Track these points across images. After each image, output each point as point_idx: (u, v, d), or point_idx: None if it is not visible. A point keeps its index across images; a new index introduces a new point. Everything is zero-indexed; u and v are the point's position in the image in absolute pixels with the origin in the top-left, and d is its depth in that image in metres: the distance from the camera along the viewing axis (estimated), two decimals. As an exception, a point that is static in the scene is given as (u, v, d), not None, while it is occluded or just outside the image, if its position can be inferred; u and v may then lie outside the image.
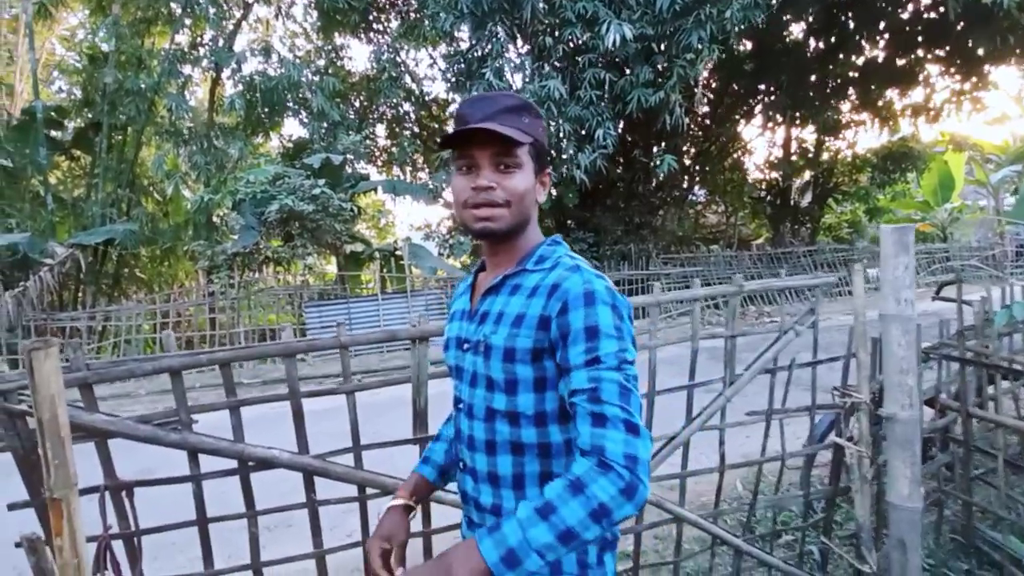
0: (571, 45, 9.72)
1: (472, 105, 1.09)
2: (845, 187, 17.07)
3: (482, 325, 1.09)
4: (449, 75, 12.16)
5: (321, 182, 9.14)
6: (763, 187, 17.00)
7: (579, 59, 9.69)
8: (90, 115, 13.18)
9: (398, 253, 11.76)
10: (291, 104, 13.15)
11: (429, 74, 14.99)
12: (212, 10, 10.95)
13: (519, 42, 10.51)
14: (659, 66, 9.65)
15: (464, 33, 10.96)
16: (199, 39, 12.71)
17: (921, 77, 13.91)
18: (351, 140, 10.48)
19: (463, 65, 10.73)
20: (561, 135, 9.56)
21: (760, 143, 16.63)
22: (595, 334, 0.95)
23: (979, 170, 21.06)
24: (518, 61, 10.28)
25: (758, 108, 15.24)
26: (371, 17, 13.86)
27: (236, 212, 9.63)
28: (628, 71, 9.85)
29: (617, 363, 0.94)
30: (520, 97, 1.12)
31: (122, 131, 12.97)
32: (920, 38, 12.96)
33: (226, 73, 12.15)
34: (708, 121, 14.93)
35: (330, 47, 14.58)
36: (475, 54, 10.16)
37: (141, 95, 11.57)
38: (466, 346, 1.12)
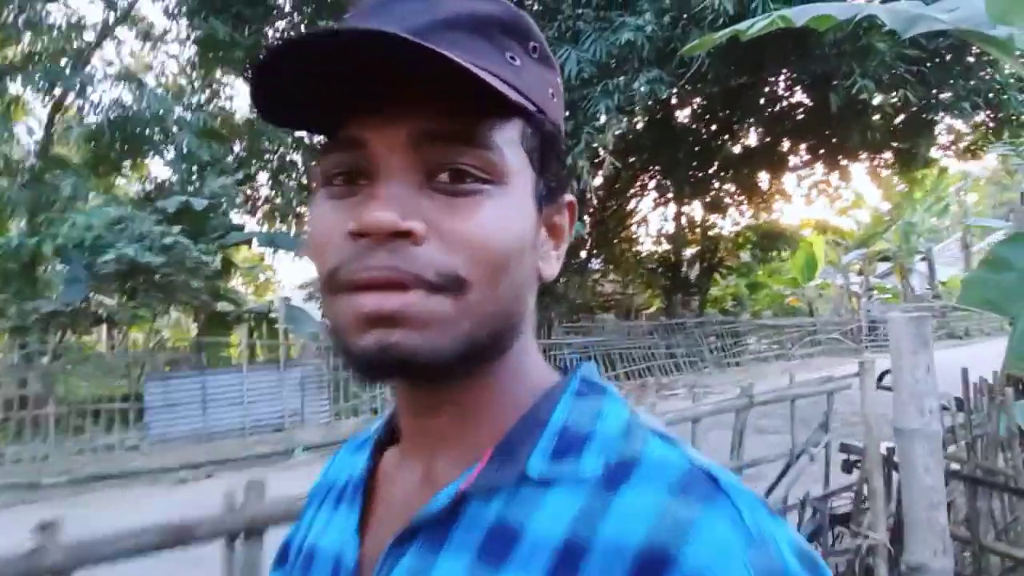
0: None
1: (378, 7, 0.40)
2: (729, 262, 18.00)
3: None
4: (342, 125, 11.29)
5: (176, 230, 7.67)
6: (656, 259, 17.49)
7: (485, 118, 9.30)
8: None
9: (273, 315, 10.30)
10: (157, 141, 11.55)
11: (322, 124, 14.00)
12: (49, 18, 9.26)
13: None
14: (566, 131, 9.47)
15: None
16: (42, 55, 10.76)
17: (791, 165, 15.12)
18: (220, 183, 9.11)
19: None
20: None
21: (654, 216, 17.21)
22: None
23: (833, 252, 23.48)
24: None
25: (652, 183, 15.77)
26: (259, 57, 12.80)
27: (60, 261, 7.82)
28: (535, 134, 9.58)
29: None
30: (505, 2, 0.43)
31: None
32: (789, 131, 14.10)
33: (71, 98, 10.40)
34: (604, 192, 15.16)
35: (208, 83, 13.24)
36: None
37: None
38: None
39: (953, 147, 12.84)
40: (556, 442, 0.40)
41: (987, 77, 9.63)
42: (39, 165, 9.64)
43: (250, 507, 0.97)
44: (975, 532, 2.40)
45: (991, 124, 11.34)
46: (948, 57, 9.74)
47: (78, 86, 9.54)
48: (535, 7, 9.54)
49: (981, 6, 3.54)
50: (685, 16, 8.53)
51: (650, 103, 9.43)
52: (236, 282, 16.49)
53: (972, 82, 9.90)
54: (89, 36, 11.33)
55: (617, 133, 9.80)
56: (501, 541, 0.37)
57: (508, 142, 0.40)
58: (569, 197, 0.47)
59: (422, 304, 0.36)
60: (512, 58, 0.41)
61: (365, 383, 0.45)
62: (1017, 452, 2.28)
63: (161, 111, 10.26)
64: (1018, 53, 3.91)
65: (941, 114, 11.33)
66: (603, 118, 9.12)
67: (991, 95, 10.01)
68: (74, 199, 8.61)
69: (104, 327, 9.30)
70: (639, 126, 13.35)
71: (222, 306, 11.16)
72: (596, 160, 9.97)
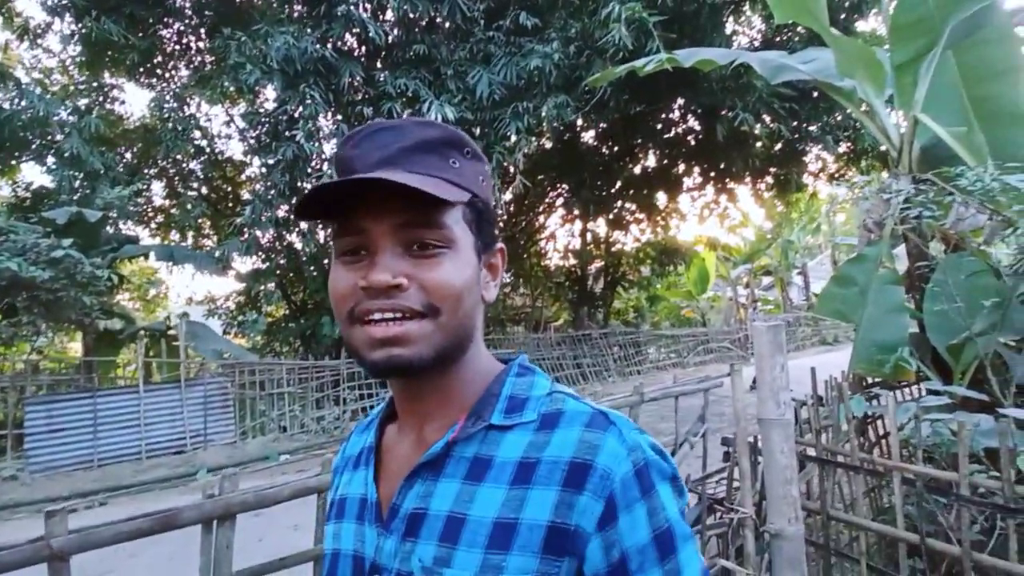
0: (390, 119, 9.40)
1: (363, 141, 0.65)
2: (630, 276, 19.01)
3: (413, 541, 0.61)
4: (250, 135, 10.97)
5: (67, 242, 7.15)
6: (563, 273, 18.15)
7: (398, 134, 9.38)
8: None
9: (171, 332, 9.76)
10: (35, 145, 10.66)
11: (225, 132, 13.46)
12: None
13: (334, 109, 9.90)
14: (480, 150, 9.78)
15: (270, 92, 10.04)
16: None
17: (685, 186, 16.32)
18: (115, 194, 8.57)
19: (268, 125, 9.73)
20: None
21: (562, 232, 17.88)
22: (670, 543, 0.58)
23: (722, 267, 25.37)
24: (333, 128, 9.62)
25: (560, 200, 16.42)
26: (155, 61, 12.14)
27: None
28: (447, 152, 9.78)
29: None
30: (444, 126, 0.68)
31: None
32: (683, 155, 15.24)
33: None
34: (514, 209, 15.62)
35: (97, 85, 12.36)
36: (283, 115, 9.28)
37: None
38: None
39: (821, 173, 14.47)
40: (507, 404, 0.65)
41: (848, 114, 10.99)
42: None
43: (225, 495, 1.12)
44: (824, 504, 2.87)
45: (851, 155, 12.93)
46: (815, 96, 11.04)
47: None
48: (448, 26, 9.80)
49: (833, 60, 4.20)
50: (589, 47, 9.14)
51: (557, 126, 9.94)
52: (123, 296, 15.35)
53: (835, 118, 11.29)
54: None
55: (526, 153, 10.25)
56: (480, 466, 0.62)
57: (455, 220, 0.63)
58: (500, 245, 0.71)
59: (414, 329, 0.60)
60: (454, 162, 0.65)
61: (378, 381, 0.70)
62: (852, 437, 2.77)
63: (42, 113, 9.49)
64: (859, 101, 4.65)
65: (810, 144, 12.80)
66: (513, 138, 9.54)
67: (850, 130, 11.44)
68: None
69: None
70: (547, 146, 13.96)
71: (111, 323, 10.44)
72: (506, 178, 10.36)
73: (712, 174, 15.07)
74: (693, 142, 14.40)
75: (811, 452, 3.01)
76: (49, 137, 10.15)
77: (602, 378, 15.58)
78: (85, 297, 7.38)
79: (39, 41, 12.17)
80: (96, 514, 6.41)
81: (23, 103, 9.89)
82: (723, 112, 10.19)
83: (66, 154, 9.67)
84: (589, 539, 0.56)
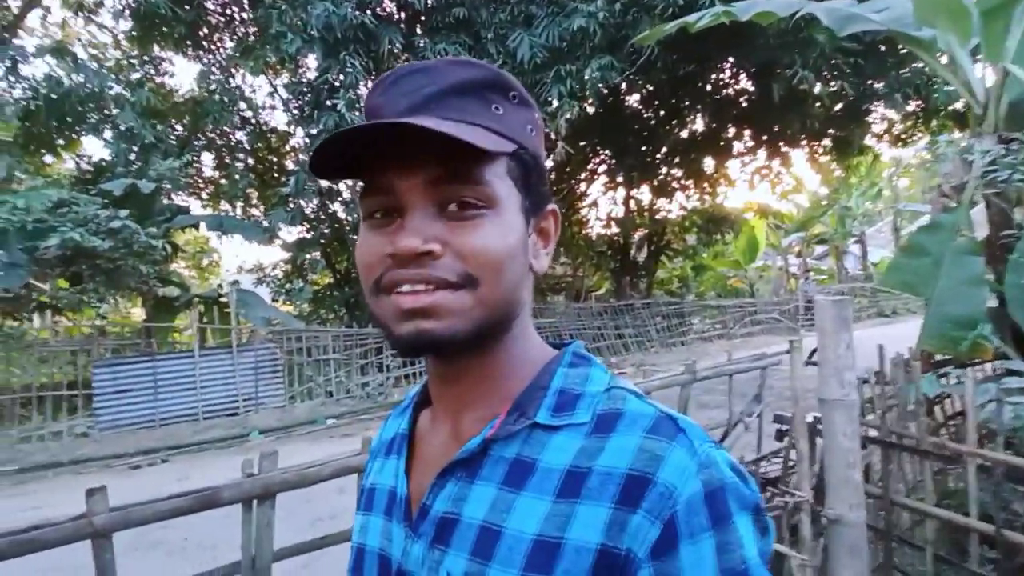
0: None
1: (391, 87, 0.55)
2: (675, 245, 18.53)
3: (443, 549, 0.53)
4: (292, 106, 11.04)
5: (123, 213, 7.42)
6: (606, 242, 17.83)
7: (440, 100, 9.29)
8: None
9: (223, 300, 10.10)
10: (93, 119, 11.00)
11: (269, 103, 13.61)
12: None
13: (374, 77, 9.84)
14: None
15: (311, 61, 10.04)
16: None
17: (735, 150, 15.64)
18: (167, 166, 8.82)
19: (310, 95, 9.76)
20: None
21: (604, 200, 17.49)
22: None
23: (773, 235, 24.44)
24: (374, 96, 9.57)
25: (602, 167, 16.02)
26: (201, 33, 12.28)
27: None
28: (489, 118, 9.62)
29: None
30: (486, 65, 0.57)
31: None
32: (733, 118, 14.55)
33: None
34: (555, 176, 15.34)
35: (147, 59, 12.64)
36: (324, 84, 9.28)
37: None
38: None
39: (886, 135, 13.58)
40: (556, 400, 0.55)
41: (919, 68, 10.18)
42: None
43: (265, 475, 1.10)
44: (886, 489, 2.72)
45: (920, 114, 12.05)
46: (883, 49, 10.26)
47: (9, 63, 8.92)
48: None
49: (909, 7, 3.84)
50: (636, 4, 8.72)
51: (601, 88, 9.59)
52: (179, 265, 15.98)
53: (904, 74, 10.49)
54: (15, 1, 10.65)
55: (568, 118, 9.95)
56: (520, 471, 0.52)
57: (497, 175, 0.53)
58: (552, 206, 0.60)
59: (447, 300, 0.51)
60: (496, 108, 0.55)
61: (405, 359, 0.61)
62: (923, 419, 2.59)
63: (98, 88, 9.76)
64: (939, 53, 4.26)
65: (875, 103, 11.98)
66: (555, 103, 9.26)
67: (921, 86, 10.62)
68: (9, 180, 8.14)
69: (48, 313, 8.93)
70: (590, 111, 13.56)
71: (168, 290, 10.87)
72: (547, 145, 10.12)
73: (764, 137, 14.36)
74: (745, 104, 13.71)
75: (872, 433, 2.85)
76: (105, 111, 10.46)
77: (644, 348, 15.37)
78: (142, 266, 7.68)
79: (93, 16, 12.48)
80: (159, 471, 6.76)
81: (81, 78, 10.20)
82: (780, 70, 9.61)
83: (121, 127, 9.95)
84: (639, 567, 0.46)
